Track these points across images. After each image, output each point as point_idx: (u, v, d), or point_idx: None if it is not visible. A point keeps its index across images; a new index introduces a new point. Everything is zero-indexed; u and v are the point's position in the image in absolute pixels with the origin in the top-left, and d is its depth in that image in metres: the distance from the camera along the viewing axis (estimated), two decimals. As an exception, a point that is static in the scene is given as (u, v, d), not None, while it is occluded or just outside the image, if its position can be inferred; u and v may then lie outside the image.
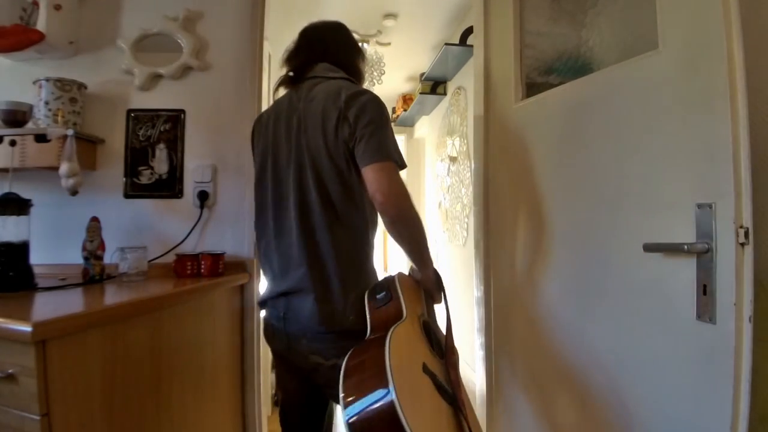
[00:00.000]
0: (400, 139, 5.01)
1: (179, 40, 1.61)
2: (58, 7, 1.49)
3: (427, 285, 1.14)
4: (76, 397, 0.82)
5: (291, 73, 1.14)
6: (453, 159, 3.27)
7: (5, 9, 1.50)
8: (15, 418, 0.75)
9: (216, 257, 1.47)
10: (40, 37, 1.44)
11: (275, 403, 2.43)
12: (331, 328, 0.98)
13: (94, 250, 1.31)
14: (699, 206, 0.86)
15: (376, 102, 1.00)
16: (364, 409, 0.73)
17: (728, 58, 0.81)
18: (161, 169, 1.60)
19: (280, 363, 1.15)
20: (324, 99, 1.01)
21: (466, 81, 2.94)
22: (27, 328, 0.72)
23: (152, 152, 1.60)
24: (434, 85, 3.52)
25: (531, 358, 1.38)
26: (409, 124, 4.88)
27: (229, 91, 1.64)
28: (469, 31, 2.70)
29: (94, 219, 1.35)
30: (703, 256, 0.84)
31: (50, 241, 1.50)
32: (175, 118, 1.61)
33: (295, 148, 1.03)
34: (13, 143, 1.33)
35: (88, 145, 1.54)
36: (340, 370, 0.80)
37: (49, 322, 0.76)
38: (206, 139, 1.62)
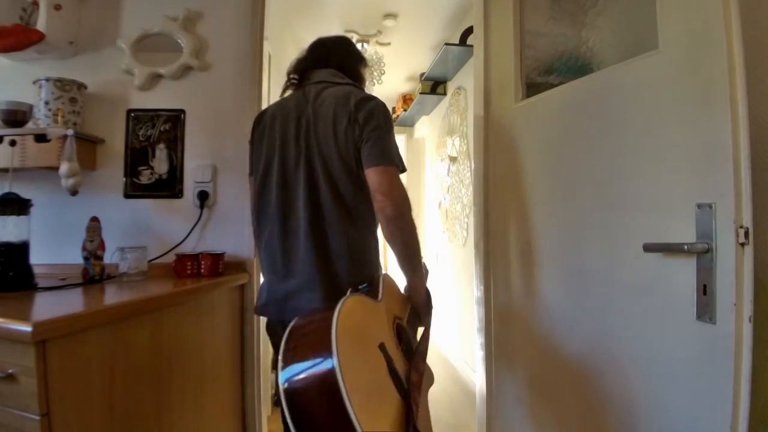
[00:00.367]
0: (400, 139, 5.01)
1: (179, 40, 1.61)
2: (58, 7, 1.49)
3: (414, 296, 1.14)
4: (76, 397, 0.82)
5: (295, 78, 1.20)
6: (453, 159, 3.27)
7: (5, 9, 1.50)
8: (15, 418, 0.75)
9: (216, 257, 1.47)
10: (40, 37, 1.44)
11: (275, 403, 2.43)
12: None
13: (94, 250, 1.31)
14: (699, 206, 0.86)
15: (382, 108, 1.07)
16: (300, 372, 0.66)
17: (728, 58, 0.81)
18: (161, 169, 1.60)
19: None
20: (334, 102, 1.07)
21: (466, 81, 2.94)
22: (27, 328, 0.72)
23: (152, 152, 1.60)
24: (434, 85, 3.52)
25: (531, 358, 1.38)
26: (409, 124, 4.88)
27: (229, 91, 1.64)
28: (469, 31, 2.70)
29: (94, 219, 1.35)
30: (703, 256, 0.84)
31: (50, 241, 1.50)
32: (175, 118, 1.61)
33: (304, 148, 1.07)
34: (13, 143, 1.33)
35: (88, 145, 1.54)
36: None
37: (49, 322, 0.76)
38: (206, 139, 1.62)
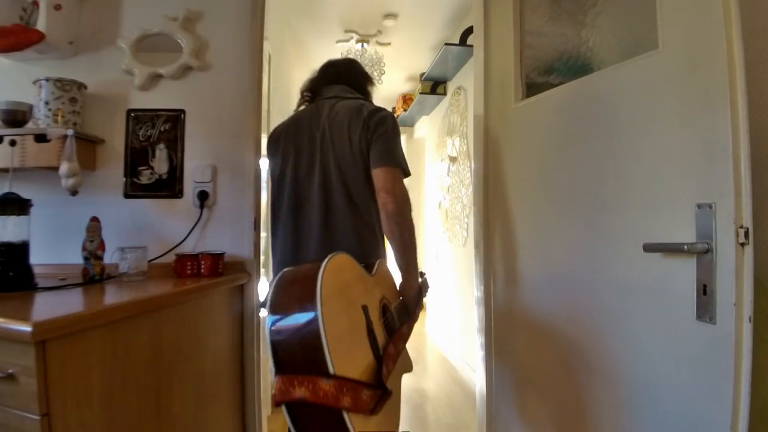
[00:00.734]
0: (401, 140, 5.00)
1: (179, 40, 1.61)
2: (58, 7, 1.49)
3: (406, 291, 1.22)
4: (76, 397, 0.82)
5: (308, 95, 1.37)
6: (453, 159, 3.27)
7: (5, 9, 1.50)
8: (15, 418, 0.75)
9: (216, 257, 1.47)
10: (40, 37, 1.44)
11: (275, 404, 2.42)
12: None
13: (94, 250, 1.31)
14: (699, 206, 0.86)
15: (391, 117, 1.24)
16: (285, 316, 0.74)
17: (728, 58, 0.81)
18: (161, 169, 1.60)
19: None
20: (348, 113, 1.21)
21: (466, 81, 2.94)
22: (27, 328, 0.72)
23: (152, 152, 1.60)
24: (434, 85, 3.52)
25: (531, 357, 1.38)
26: (409, 124, 4.88)
27: (229, 91, 1.64)
28: (469, 31, 2.70)
29: (94, 219, 1.35)
30: (703, 256, 0.84)
31: (50, 241, 1.50)
32: (175, 118, 1.61)
33: (320, 155, 1.21)
34: (13, 143, 1.33)
35: (88, 145, 1.54)
36: None
37: (49, 322, 0.76)
38: (206, 139, 1.62)
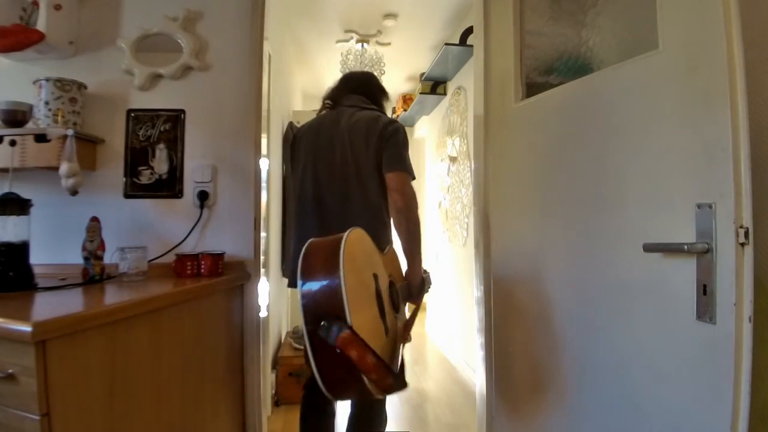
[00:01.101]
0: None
1: (179, 40, 1.61)
2: (58, 7, 1.49)
3: (411, 277, 1.40)
4: (76, 397, 0.82)
5: (329, 101, 1.55)
6: (453, 159, 3.27)
7: (5, 9, 1.50)
8: (15, 418, 0.75)
9: (216, 257, 1.47)
10: (40, 37, 1.44)
11: (275, 403, 2.43)
12: None
13: (94, 250, 1.31)
14: (699, 206, 0.86)
15: (403, 129, 1.43)
16: (313, 278, 0.91)
17: (728, 58, 0.81)
18: (161, 169, 1.60)
19: None
20: (366, 122, 1.40)
21: (466, 81, 2.95)
22: (27, 328, 0.72)
23: (152, 152, 1.60)
24: (434, 85, 3.52)
25: (531, 357, 1.38)
26: (409, 124, 4.88)
27: (229, 91, 1.64)
28: (469, 31, 2.70)
29: (94, 219, 1.35)
30: (703, 256, 0.84)
31: (50, 241, 1.50)
32: (175, 118, 1.62)
33: (339, 156, 1.39)
34: (13, 143, 1.33)
35: (88, 145, 1.54)
36: None
37: (49, 322, 0.76)
38: (206, 139, 1.62)
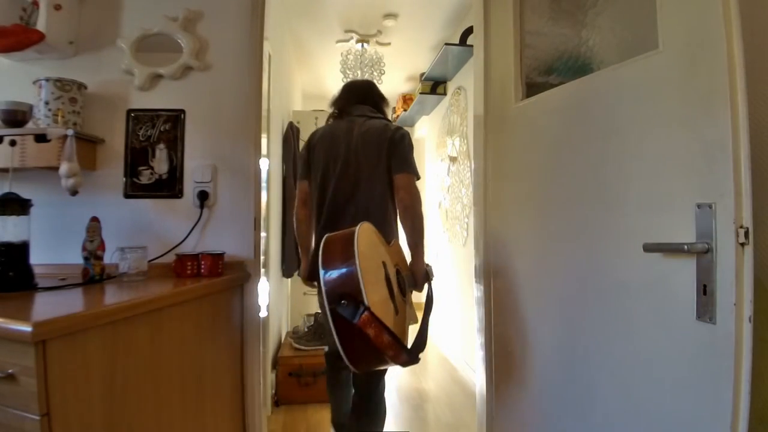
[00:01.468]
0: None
1: (179, 40, 1.61)
2: (58, 7, 1.49)
3: (415, 267, 1.56)
4: (76, 397, 0.82)
5: (337, 111, 1.72)
6: (453, 159, 3.27)
7: (5, 9, 1.50)
8: (15, 418, 0.75)
9: (216, 257, 1.47)
10: (40, 37, 1.44)
11: (275, 403, 2.43)
12: None
13: (94, 250, 1.31)
14: (699, 206, 0.86)
15: (408, 136, 1.62)
16: (333, 266, 1.06)
17: (728, 58, 0.81)
18: (161, 169, 1.60)
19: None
20: (377, 131, 1.59)
21: (466, 81, 2.95)
22: (27, 328, 0.72)
23: (152, 152, 1.60)
24: (434, 85, 3.52)
25: (531, 357, 1.38)
26: (409, 124, 4.88)
27: (229, 91, 1.64)
28: (469, 31, 2.70)
29: (94, 219, 1.35)
30: (703, 256, 0.84)
31: (50, 241, 1.50)
32: (175, 118, 1.62)
33: (354, 160, 1.57)
34: (13, 143, 1.33)
35: (88, 145, 1.54)
36: None
37: (49, 322, 0.76)
38: (206, 139, 1.62)
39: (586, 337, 1.14)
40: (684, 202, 0.89)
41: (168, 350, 1.13)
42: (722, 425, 0.80)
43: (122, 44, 1.59)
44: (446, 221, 3.53)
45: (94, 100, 1.58)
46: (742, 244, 0.79)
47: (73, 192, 1.35)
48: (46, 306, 0.99)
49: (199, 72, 1.64)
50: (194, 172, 1.61)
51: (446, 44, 2.79)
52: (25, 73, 1.54)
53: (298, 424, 2.23)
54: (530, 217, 1.38)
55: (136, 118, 1.60)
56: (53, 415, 0.76)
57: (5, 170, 1.29)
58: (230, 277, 1.49)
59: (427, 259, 1.75)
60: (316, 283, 1.68)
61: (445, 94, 3.52)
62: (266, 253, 2.20)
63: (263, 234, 2.00)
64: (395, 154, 1.56)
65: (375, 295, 1.07)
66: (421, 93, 3.58)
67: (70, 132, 1.35)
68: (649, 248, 0.94)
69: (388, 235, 1.53)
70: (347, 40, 3.38)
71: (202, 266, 1.46)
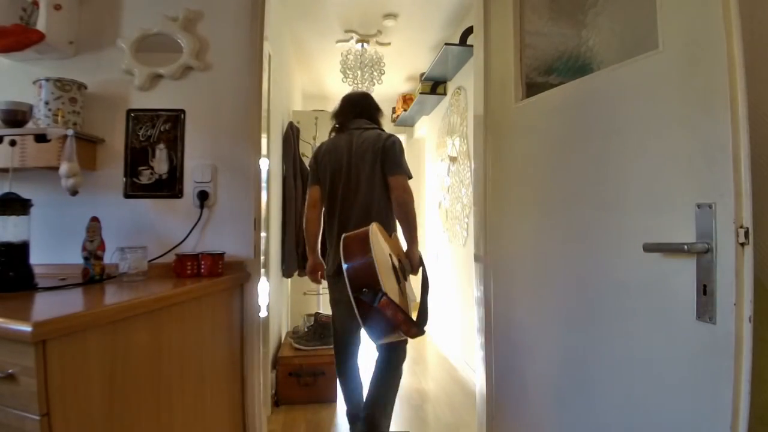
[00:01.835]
0: (401, 139, 5.01)
1: (179, 40, 1.61)
2: (58, 7, 1.49)
3: (411, 255, 1.81)
4: (76, 397, 0.82)
5: (338, 125, 2.00)
6: (453, 159, 3.27)
7: (5, 9, 1.50)
8: (15, 418, 0.75)
9: (216, 257, 1.47)
10: (40, 37, 1.44)
11: (275, 403, 2.43)
12: None
13: (94, 250, 1.31)
14: (699, 206, 0.86)
15: (399, 141, 1.88)
16: (353, 255, 1.32)
17: (728, 58, 0.81)
18: (161, 169, 1.60)
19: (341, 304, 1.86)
20: (372, 141, 1.85)
21: (466, 81, 2.95)
22: (27, 328, 0.72)
23: (152, 152, 1.60)
24: (434, 85, 3.52)
25: (531, 357, 1.38)
26: (409, 124, 4.88)
27: (229, 91, 1.64)
28: (469, 31, 2.70)
29: (94, 219, 1.35)
30: (703, 256, 0.84)
31: (50, 241, 1.50)
32: (175, 118, 1.62)
33: (355, 169, 1.83)
34: (13, 143, 1.33)
35: (88, 145, 1.54)
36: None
37: (49, 322, 0.76)
38: (206, 139, 1.62)
39: (586, 336, 1.14)
40: (684, 202, 0.89)
41: (168, 350, 1.13)
42: (722, 425, 0.80)
43: (122, 44, 1.59)
44: (446, 221, 3.53)
45: (94, 100, 1.58)
46: (742, 244, 0.79)
47: (73, 192, 1.35)
48: (46, 306, 0.99)
49: (199, 72, 1.64)
50: (194, 172, 1.61)
51: (446, 44, 2.79)
52: (25, 73, 1.54)
53: (298, 424, 2.23)
54: (530, 216, 1.38)
55: (136, 118, 1.60)
56: (53, 415, 0.76)
57: (5, 170, 1.29)
58: (230, 277, 1.49)
59: (426, 256, 2.05)
60: (323, 281, 2.02)
61: (445, 94, 3.52)
62: (266, 253, 2.20)
63: (263, 234, 2.00)
64: (388, 158, 1.81)
65: (387, 283, 1.31)
66: (421, 93, 3.58)
67: (70, 132, 1.35)
68: (649, 248, 0.94)
69: (387, 227, 1.77)
70: (347, 40, 3.38)
71: (202, 266, 1.46)
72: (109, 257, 1.35)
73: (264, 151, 1.89)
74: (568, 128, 1.22)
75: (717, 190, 0.83)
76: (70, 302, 1.03)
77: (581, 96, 1.18)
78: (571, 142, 1.21)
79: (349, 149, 1.87)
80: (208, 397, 1.35)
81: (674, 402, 0.91)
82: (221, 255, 1.50)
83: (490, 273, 1.59)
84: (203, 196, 1.60)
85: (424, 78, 3.48)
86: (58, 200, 1.49)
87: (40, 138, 1.37)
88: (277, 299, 2.69)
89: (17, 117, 1.41)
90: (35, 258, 1.20)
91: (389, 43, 3.44)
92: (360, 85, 3.41)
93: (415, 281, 1.90)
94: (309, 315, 2.84)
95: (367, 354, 2.10)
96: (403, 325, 1.28)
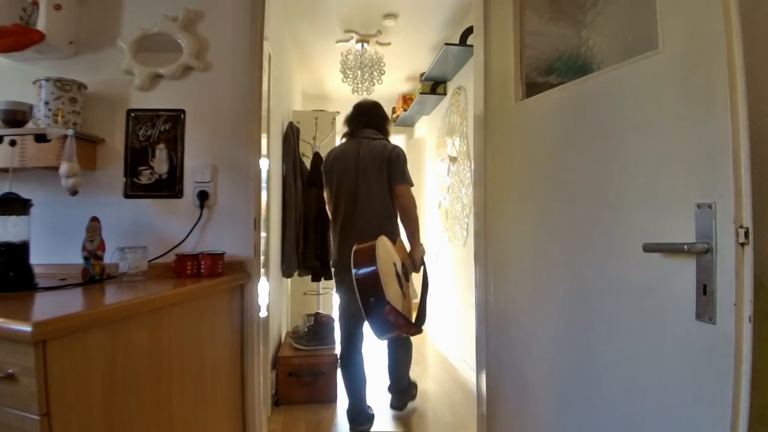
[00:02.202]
0: (401, 139, 5.04)
1: (179, 40, 1.61)
2: (58, 7, 1.49)
3: (414, 256, 2.10)
4: (76, 397, 0.82)
5: (349, 132, 2.25)
6: (453, 159, 3.27)
7: (5, 9, 1.50)
8: (15, 418, 0.75)
9: (216, 257, 1.47)
10: (40, 37, 1.44)
11: (275, 403, 2.43)
12: None
13: (94, 250, 1.31)
14: (699, 206, 0.86)
15: (403, 152, 2.14)
16: (361, 267, 1.59)
17: (728, 58, 0.81)
18: (161, 169, 1.60)
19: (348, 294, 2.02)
20: (378, 150, 2.10)
21: (466, 81, 2.95)
22: (27, 328, 0.72)
23: (152, 152, 1.60)
24: (434, 85, 3.52)
25: (531, 357, 1.38)
26: (409, 124, 4.88)
27: (229, 91, 1.64)
28: (469, 31, 2.70)
29: (94, 219, 1.35)
30: (703, 256, 0.84)
31: (50, 241, 1.50)
32: (175, 118, 1.62)
33: (362, 176, 2.07)
34: (13, 143, 1.33)
35: (88, 145, 1.54)
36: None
37: (49, 322, 0.76)
38: (206, 139, 1.62)
39: (586, 336, 1.14)
40: (684, 202, 0.89)
41: (168, 350, 1.13)
42: (722, 425, 0.80)
43: (122, 44, 1.59)
44: (446, 221, 3.53)
45: (94, 100, 1.58)
46: (742, 244, 0.79)
47: (73, 192, 1.35)
48: (46, 306, 0.99)
49: (199, 72, 1.64)
50: (194, 172, 1.61)
51: (446, 44, 2.79)
52: (25, 73, 1.54)
53: (298, 424, 2.23)
54: (530, 216, 1.38)
55: (136, 118, 1.60)
56: (53, 415, 0.76)
57: (5, 170, 1.29)
58: (230, 277, 1.49)
59: (426, 256, 2.23)
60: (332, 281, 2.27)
61: (445, 94, 3.52)
62: (266, 253, 2.20)
63: (263, 234, 2.00)
64: (393, 169, 2.07)
65: (391, 290, 1.55)
66: (421, 93, 3.58)
67: (70, 132, 1.35)
68: (649, 248, 0.94)
69: (392, 231, 2.06)
70: (347, 40, 3.38)
71: (202, 266, 1.46)
72: (109, 257, 1.35)
73: (264, 151, 1.89)
74: (568, 128, 1.22)
75: (717, 190, 0.83)
76: (70, 302, 1.03)
77: (581, 96, 1.18)
78: (571, 142, 1.21)
79: (357, 156, 2.11)
80: (208, 397, 1.35)
81: (674, 402, 0.91)
82: (221, 255, 1.50)
83: (490, 273, 1.59)
84: (203, 196, 1.60)
85: (424, 78, 3.48)
86: (58, 200, 1.49)
87: (40, 138, 1.37)
88: (277, 299, 2.69)
89: (17, 117, 1.41)
90: (35, 258, 1.19)
91: (389, 43, 3.44)
92: (360, 85, 3.41)
93: (416, 279, 2.18)
94: (309, 315, 2.84)
95: (369, 353, 2.32)
96: (403, 327, 1.50)
